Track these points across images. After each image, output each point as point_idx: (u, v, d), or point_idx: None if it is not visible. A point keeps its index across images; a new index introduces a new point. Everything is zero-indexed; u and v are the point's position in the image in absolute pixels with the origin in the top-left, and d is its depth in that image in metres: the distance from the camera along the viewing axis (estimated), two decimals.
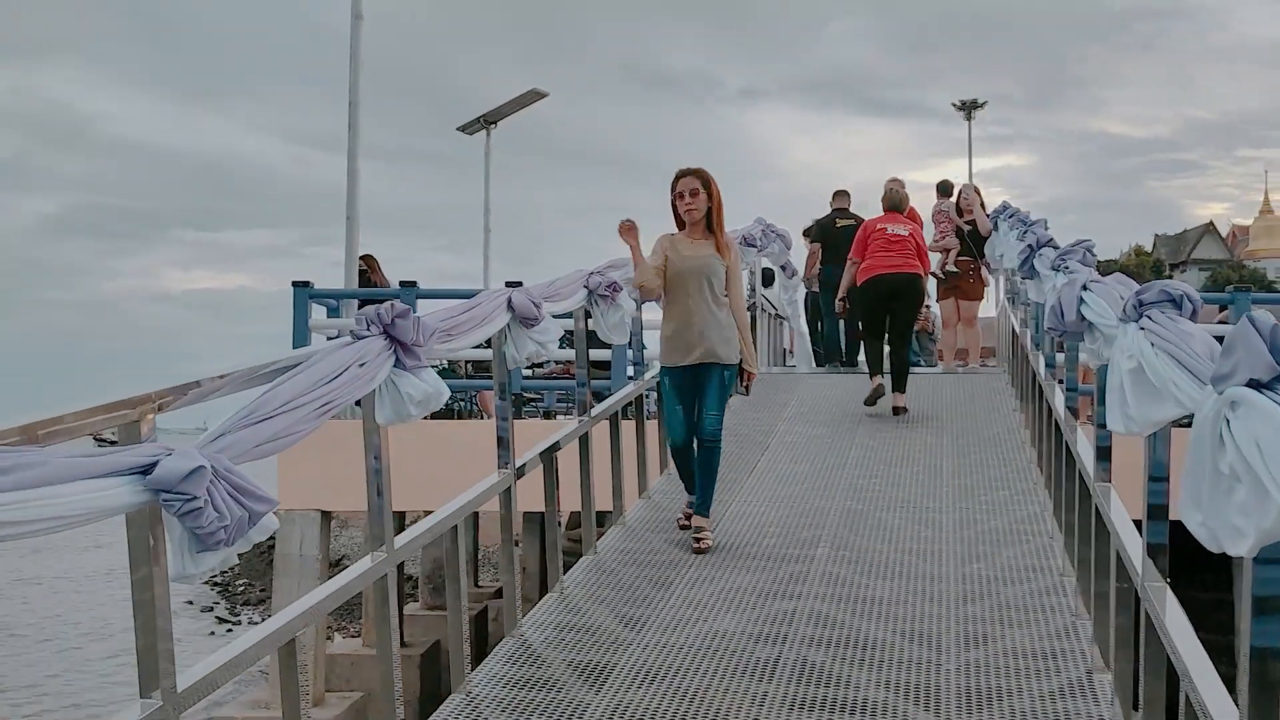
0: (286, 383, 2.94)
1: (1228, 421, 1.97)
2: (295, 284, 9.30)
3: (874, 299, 8.93)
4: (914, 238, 9.09)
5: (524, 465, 4.93)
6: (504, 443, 4.76)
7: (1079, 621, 4.55)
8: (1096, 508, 4.08)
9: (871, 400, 8.60)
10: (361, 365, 3.31)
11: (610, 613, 4.84)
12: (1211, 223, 53.52)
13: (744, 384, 5.88)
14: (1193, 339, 2.48)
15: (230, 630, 19.18)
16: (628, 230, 5.80)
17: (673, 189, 5.77)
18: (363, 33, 10.12)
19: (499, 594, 14.13)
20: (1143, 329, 2.83)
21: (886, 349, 8.91)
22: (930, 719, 3.80)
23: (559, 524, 5.48)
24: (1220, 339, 2.19)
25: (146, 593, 2.53)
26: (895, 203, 9.41)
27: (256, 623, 15.44)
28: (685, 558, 5.55)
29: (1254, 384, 1.91)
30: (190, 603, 21.69)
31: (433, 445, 9.45)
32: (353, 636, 14.46)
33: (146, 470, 2.29)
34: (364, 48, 10.73)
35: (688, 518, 5.84)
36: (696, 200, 5.71)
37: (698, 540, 5.62)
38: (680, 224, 5.83)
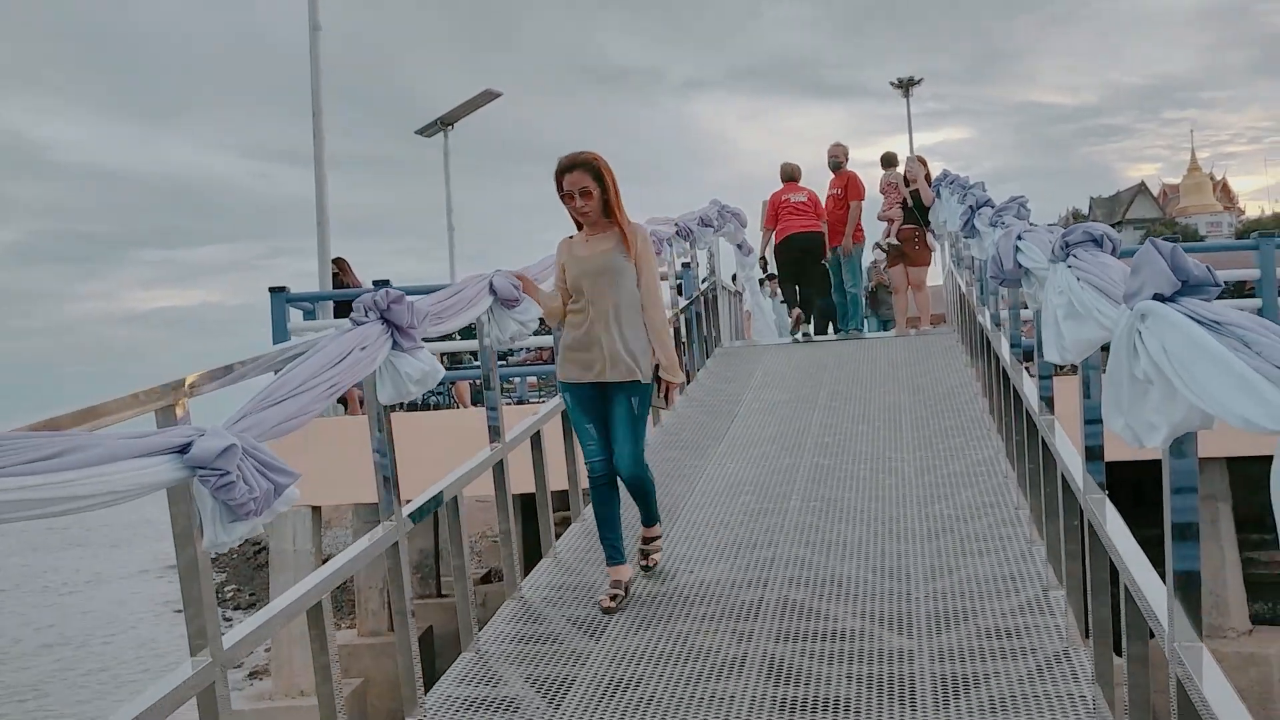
0: (298, 367, 3.22)
1: (1139, 333, 2.32)
2: (272, 289, 9.51)
3: (787, 254, 11.48)
4: (811, 201, 11.44)
5: (513, 440, 5.22)
6: (495, 431, 5.05)
7: (1034, 547, 4.94)
8: (1043, 439, 4.45)
9: (794, 328, 11.49)
10: (363, 349, 3.59)
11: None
12: (1143, 183, 54.76)
13: (663, 394, 5.00)
14: (1111, 269, 2.84)
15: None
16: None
17: (558, 186, 4.80)
18: (321, 42, 10.31)
19: (486, 579, 14.44)
20: (1070, 266, 3.19)
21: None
22: (903, 640, 4.16)
23: (548, 498, 5.75)
24: None
25: (190, 562, 2.81)
26: (789, 174, 11.65)
27: None
28: (668, 521, 5.87)
29: (1158, 297, 2.26)
30: (180, 611, 21.77)
31: (411, 437, 9.70)
32: (348, 628, 14.74)
33: (183, 450, 2.57)
34: (332, 60, 10.96)
35: (612, 599, 4.76)
36: (590, 203, 4.77)
37: (645, 555, 5.12)
38: (579, 223, 4.97)
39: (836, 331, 12.15)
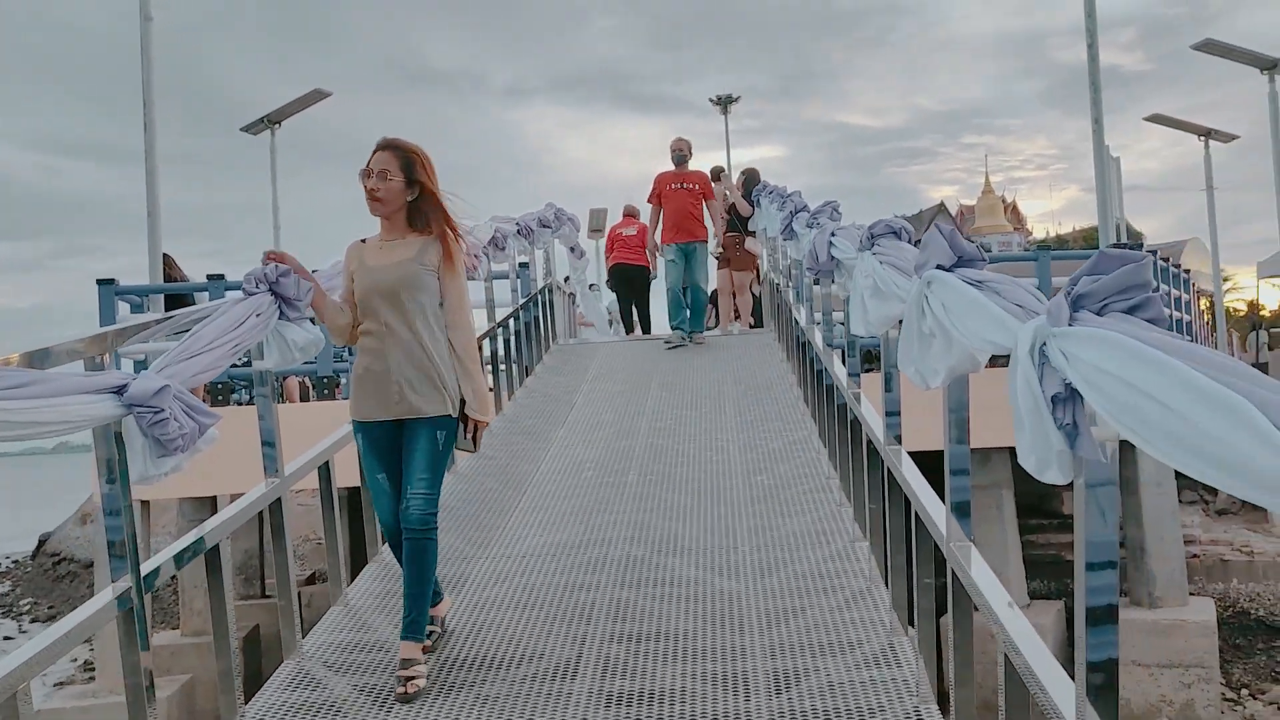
0: (206, 328, 3.59)
1: (926, 297, 2.95)
2: (100, 281, 9.44)
3: (615, 279, 13.65)
4: (639, 234, 12.84)
5: None
6: None
7: (842, 509, 5.63)
8: (851, 411, 5.14)
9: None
10: (258, 316, 3.95)
11: (459, 537, 5.59)
12: (943, 204, 58.06)
13: (469, 435, 4.19)
14: (907, 253, 3.50)
15: None
16: (278, 256, 4.19)
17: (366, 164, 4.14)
18: (153, 33, 10.31)
19: (310, 581, 14.50)
20: (874, 253, 3.85)
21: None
22: (733, 583, 4.76)
23: None
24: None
25: (115, 497, 3.13)
26: (628, 212, 13.71)
27: None
28: (516, 496, 6.33)
29: (940, 268, 2.90)
30: None
31: (240, 431, 9.79)
32: (171, 629, 14.50)
33: (119, 390, 2.93)
34: (128, 49, 10.86)
35: (416, 658, 3.96)
36: (386, 186, 4.06)
37: (405, 680, 3.86)
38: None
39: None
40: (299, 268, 4.17)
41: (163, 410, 2.91)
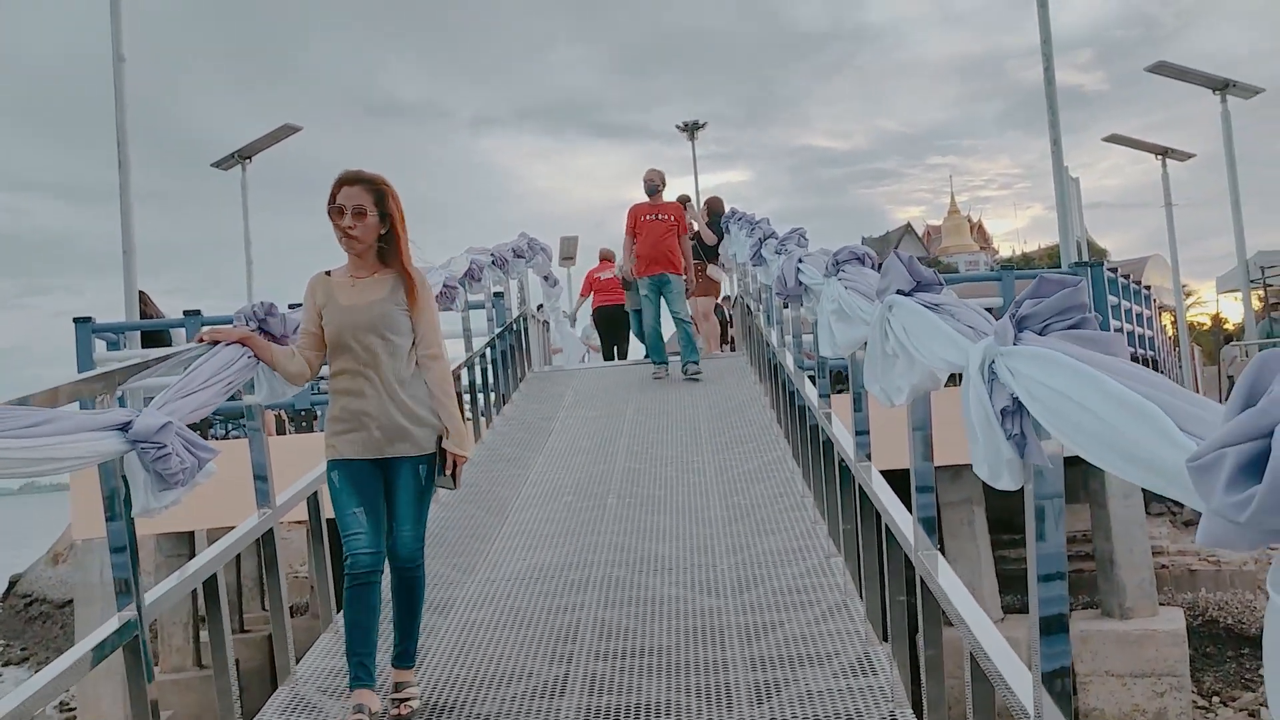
0: (202, 366, 3.74)
1: (888, 320, 3.14)
2: (77, 319, 9.52)
3: (599, 320, 14.36)
4: (618, 276, 13.07)
5: None
6: None
7: (817, 527, 5.80)
8: (821, 428, 5.32)
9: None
10: (249, 357, 4.08)
11: (444, 563, 5.72)
12: (909, 224, 58.71)
13: (448, 470, 4.07)
14: (870, 278, 3.69)
15: None
16: (212, 336, 4.10)
17: (330, 200, 3.99)
18: (125, 74, 10.46)
19: (292, 613, 14.58)
20: (839, 279, 4.04)
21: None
22: (712, 600, 4.91)
23: None
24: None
25: (119, 529, 3.26)
26: (604, 255, 14.70)
27: (24, 679, 15.09)
28: (498, 521, 6.47)
29: (900, 292, 3.09)
30: None
31: (219, 465, 9.85)
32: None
33: (124, 427, 3.07)
34: (99, 88, 10.98)
35: None
36: (361, 224, 3.96)
37: (399, 703, 3.99)
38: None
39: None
40: (242, 337, 4.10)
41: (165, 446, 3.05)
